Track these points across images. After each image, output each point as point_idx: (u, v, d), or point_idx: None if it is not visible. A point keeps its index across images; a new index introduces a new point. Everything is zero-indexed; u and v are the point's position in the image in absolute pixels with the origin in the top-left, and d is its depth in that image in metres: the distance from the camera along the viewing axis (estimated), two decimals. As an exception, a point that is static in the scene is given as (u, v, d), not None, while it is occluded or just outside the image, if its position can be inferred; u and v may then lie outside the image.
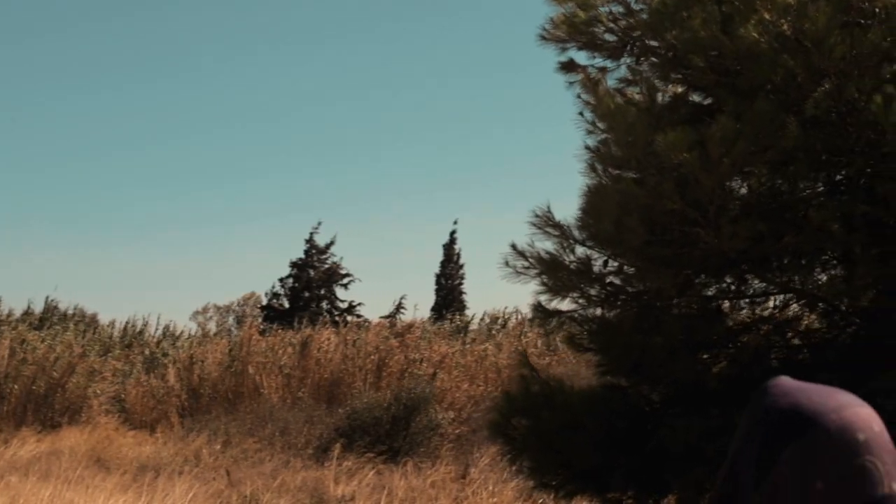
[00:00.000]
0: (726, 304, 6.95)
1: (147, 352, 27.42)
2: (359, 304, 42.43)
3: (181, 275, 66.82)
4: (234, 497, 13.99)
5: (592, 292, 6.82)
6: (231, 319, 49.80)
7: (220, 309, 51.16)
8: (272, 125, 70.35)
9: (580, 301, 7.03)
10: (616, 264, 6.77)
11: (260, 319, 36.16)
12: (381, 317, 38.08)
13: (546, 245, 7.02)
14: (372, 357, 24.17)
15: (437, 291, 47.39)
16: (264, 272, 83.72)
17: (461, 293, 47.79)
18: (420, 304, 64.65)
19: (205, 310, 50.60)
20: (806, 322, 7.04)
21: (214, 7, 72.84)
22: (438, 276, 47.72)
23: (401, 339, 25.47)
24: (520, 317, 32.91)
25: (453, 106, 72.29)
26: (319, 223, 43.56)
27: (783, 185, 5.87)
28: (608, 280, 6.81)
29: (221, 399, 23.50)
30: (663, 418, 6.45)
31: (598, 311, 7.08)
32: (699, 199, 5.62)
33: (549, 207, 7.03)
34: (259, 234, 67.00)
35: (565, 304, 7.18)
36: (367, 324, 32.27)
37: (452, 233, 48.41)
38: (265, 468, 16.78)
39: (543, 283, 7.03)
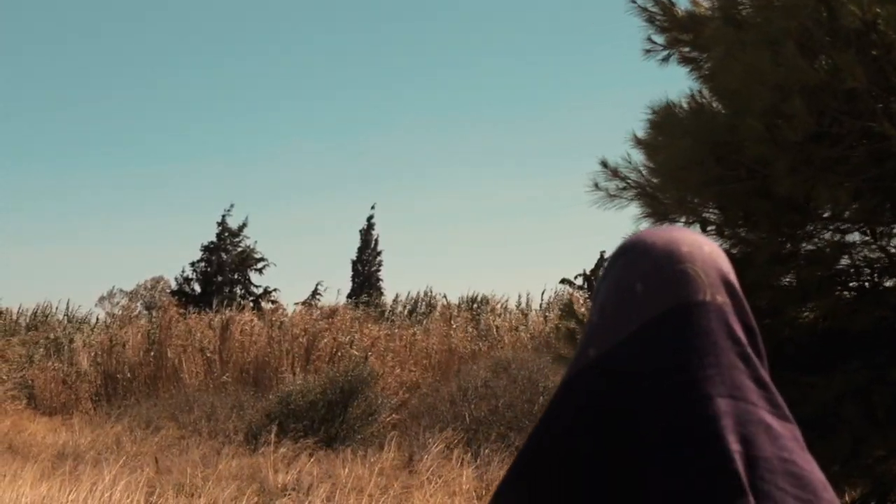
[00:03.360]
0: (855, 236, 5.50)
1: (52, 335, 26.04)
2: (274, 289, 40.93)
3: (82, 260, 64.72)
4: (168, 486, 12.60)
5: (711, 217, 5.37)
6: (139, 304, 47.90)
7: (128, 293, 49.27)
8: (180, 107, 68.15)
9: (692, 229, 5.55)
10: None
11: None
12: (297, 303, 36.79)
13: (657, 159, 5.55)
14: (300, 339, 22.99)
15: (354, 278, 46.52)
16: (171, 256, 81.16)
17: (378, 279, 46.89)
18: (341, 290, 63.36)
19: (111, 294, 48.72)
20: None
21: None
22: (355, 263, 46.80)
23: (329, 320, 24.31)
24: (445, 301, 31.96)
25: (367, 89, 70.76)
26: (231, 205, 42.29)
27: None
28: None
29: (140, 383, 22.09)
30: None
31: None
32: (889, 74, 4.26)
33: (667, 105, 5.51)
34: (168, 219, 65.04)
35: None
36: (283, 310, 31.12)
37: (370, 218, 47.43)
38: (193, 455, 15.66)
39: (647, 206, 5.56)
